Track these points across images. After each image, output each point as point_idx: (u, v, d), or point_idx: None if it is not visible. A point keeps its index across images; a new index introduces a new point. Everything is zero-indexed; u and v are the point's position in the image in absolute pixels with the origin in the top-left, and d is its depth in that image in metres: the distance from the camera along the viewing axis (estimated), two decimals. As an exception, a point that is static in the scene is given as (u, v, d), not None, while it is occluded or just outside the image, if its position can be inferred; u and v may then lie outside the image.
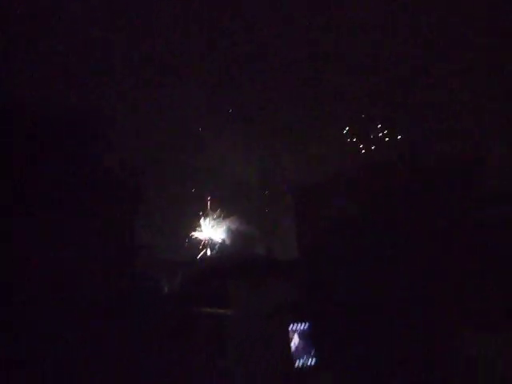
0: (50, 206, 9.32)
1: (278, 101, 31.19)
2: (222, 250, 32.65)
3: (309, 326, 13.13)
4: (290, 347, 10.30)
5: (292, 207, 20.37)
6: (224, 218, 33.00)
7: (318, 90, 28.72)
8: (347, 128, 27.02)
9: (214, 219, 33.56)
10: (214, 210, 34.04)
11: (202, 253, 33.08)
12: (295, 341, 12.07)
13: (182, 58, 31.39)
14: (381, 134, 25.30)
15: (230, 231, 32.87)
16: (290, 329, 12.77)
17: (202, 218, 34.03)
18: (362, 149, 25.18)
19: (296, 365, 11.60)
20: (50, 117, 10.24)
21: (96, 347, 8.45)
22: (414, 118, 25.02)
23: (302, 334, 12.46)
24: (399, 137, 23.92)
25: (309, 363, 11.74)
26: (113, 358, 8.28)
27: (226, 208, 33.52)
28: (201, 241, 33.55)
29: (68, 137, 10.03)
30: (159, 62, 30.66)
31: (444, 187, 16.74)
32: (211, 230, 33.33)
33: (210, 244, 33.60)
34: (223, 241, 33.30)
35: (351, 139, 26.64)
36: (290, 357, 10.04)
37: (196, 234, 33.86)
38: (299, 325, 12.99)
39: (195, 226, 33.97)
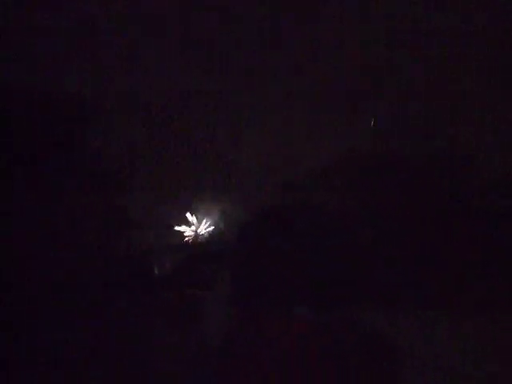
0: (40, 190, 9.44)
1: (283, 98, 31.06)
2: (214, 234, 32.55)
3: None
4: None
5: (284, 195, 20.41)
6: (218, 201, 32.87)
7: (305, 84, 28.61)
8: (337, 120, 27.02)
9: (208, 203, 33.48)
10: (207, 193, 33.96)
11: (191, 237, 33.06)
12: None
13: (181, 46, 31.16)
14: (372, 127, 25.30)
15: (224, 215, 32.71)
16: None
17: (195, 201, 33.95)
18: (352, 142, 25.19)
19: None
20: (38, 100, 10.31)
21: (88, 330, 8.62)
22: (403, 110, 25.06)
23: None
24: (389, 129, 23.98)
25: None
26: (104, 340, 8.45)
27: (220, 192, 33.41)
28: (192, 224, 33.50)
29: (57, 122, 10.13)
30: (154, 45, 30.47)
31: (437, 178, 16.89)
32: (204, 214, 33.23)
33: (203, 228, 33.56)
34: (216, 225, 33.16)
35: (341, 132, 26.63)
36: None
37: (188, 218, 33.83)
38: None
39: (187, 209, 33.93)
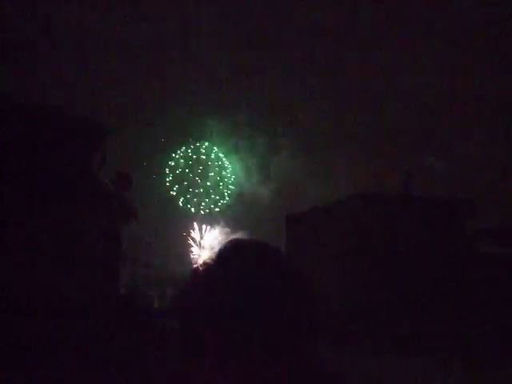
0: (41, 215, 9.45)
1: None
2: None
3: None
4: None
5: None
6: (231, 232, 32.82)
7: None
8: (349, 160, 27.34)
9: (220, 234, 33.34)
10: (219, 223, 33.79)
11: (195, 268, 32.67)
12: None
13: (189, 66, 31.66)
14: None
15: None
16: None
17: (204, 231, 33.77)
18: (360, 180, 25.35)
19: None
20: (52, 122, 10.43)
21: (85, 361, 8.53)
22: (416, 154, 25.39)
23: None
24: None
25: None
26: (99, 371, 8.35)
27: (233, 222, 33.31)
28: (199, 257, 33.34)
29: (65, 144, 10.24)
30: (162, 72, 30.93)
31: (437, 221, 17.01)
32: (216, 245, 33.13)
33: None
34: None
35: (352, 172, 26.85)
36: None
37: (195, 251, 33.68)
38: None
39: (196, 241, 33.84)
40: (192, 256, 33.88)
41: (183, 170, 34.63)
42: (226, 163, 35.14)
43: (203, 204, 34.70)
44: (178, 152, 34.97)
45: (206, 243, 33.92)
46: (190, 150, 34.95)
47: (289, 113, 31.84)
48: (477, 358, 11.73)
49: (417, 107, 26.96)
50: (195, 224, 33.54)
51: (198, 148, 35.09)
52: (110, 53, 28.19)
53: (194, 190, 34.55)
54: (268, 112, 32.56)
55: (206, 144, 35.10)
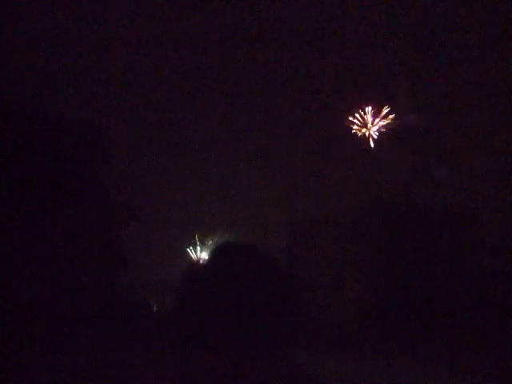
0: (38, 216, 9.43)
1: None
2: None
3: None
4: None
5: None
6: (227, 236, 32.65)
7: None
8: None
9: (215, 238, 33.28)
10: (214, 228, 33.72)
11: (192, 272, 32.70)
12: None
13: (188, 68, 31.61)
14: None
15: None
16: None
17: (199, 236, 33.76)
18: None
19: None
20: (49, 123, 10.43)
21: (84, 361, 8.55)
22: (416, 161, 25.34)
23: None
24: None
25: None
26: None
27: (230, 227, 33.17)
28: (196, 260, 33.31)
29: (63, 145, 10.23)
30: (160, 70, 30.93)
31: (440, 233, 17.10)
32: (209, 249, 33.07)
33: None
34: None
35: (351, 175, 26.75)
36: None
37: (192, 254, 33.64)
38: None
39: (191, 244, 33.80)
40: (190, 260, 33.78)
41: None
42: None
43: None
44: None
45: (203, 253, 33.81)
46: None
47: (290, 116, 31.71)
48: (476, 358, 11.76)
49: (420, 109, 26.91)
50: (196, 237, 33.31)
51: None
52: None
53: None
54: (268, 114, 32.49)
55: None
